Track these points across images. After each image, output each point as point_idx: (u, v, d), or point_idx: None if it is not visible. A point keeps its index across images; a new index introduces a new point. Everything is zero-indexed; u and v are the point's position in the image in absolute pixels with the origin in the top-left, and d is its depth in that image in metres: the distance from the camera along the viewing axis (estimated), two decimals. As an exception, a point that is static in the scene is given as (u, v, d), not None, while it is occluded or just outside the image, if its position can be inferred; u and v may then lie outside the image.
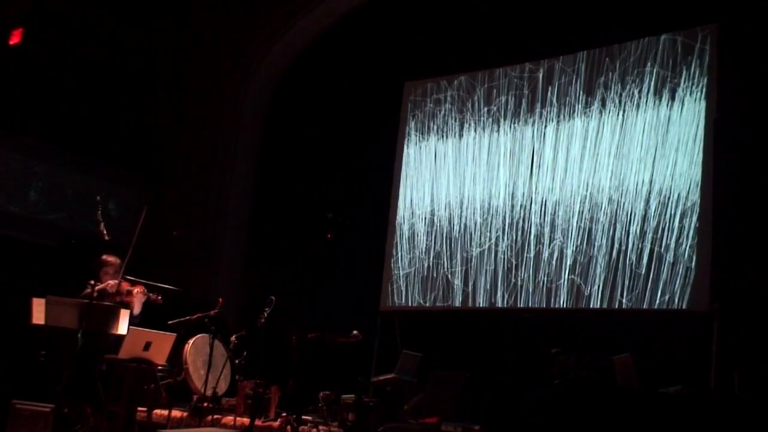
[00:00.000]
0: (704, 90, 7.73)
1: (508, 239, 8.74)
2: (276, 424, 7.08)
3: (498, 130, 9.10)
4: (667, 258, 7.61)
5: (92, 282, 6.69)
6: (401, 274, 9.46)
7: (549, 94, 8.77)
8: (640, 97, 8.11)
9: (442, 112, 9.60)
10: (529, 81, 8.96)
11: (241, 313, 9.98)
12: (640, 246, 7.80)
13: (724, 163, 7.52)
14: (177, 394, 7.43)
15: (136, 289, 7.02)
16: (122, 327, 6.68)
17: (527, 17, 9.11)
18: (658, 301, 7.59)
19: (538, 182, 8.67)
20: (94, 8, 10.37)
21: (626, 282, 7.82)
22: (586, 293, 8.06)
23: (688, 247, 7.53)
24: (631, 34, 8.31)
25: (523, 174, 8.81)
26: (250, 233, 10.98)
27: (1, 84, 9.44)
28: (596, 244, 8.09)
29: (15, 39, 9.44)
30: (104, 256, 7.11)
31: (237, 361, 7.78)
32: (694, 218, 7.55)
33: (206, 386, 7.23)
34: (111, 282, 6.98)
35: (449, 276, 9.06)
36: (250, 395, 7.44)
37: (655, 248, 7.70)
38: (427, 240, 9.38)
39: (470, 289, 8.87)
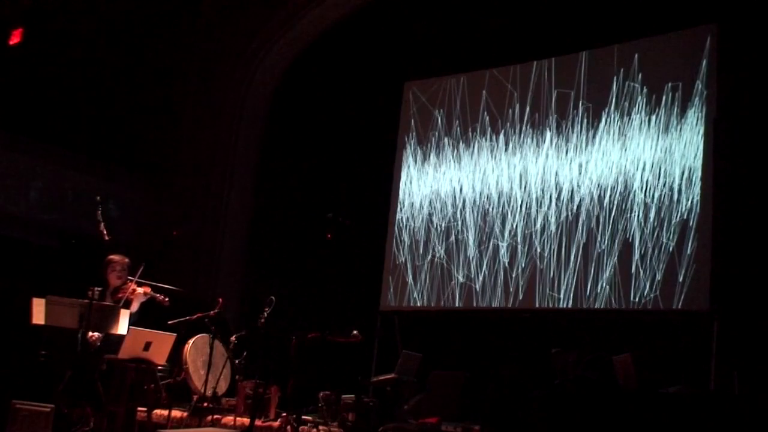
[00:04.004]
0: (704, 90, 7.73)
1: (508, 239, 8.74)
2: (276, 424, 7.07)
3: (499, 129, 9.10)
4: (667, 258, 7.61)
5: (94, 289, 6.67)
6: (401, 274, 9.46)
7: (549, 93, 8.77)
8: (639, 98, 8.11)
9: (443, 111, 9.60)
10: (530, 80, 8.96)
11: (241, 313, 9.98)
12: (639, 246, 7.80)
13: (724, 163, 7.52)
14: (177, 394, 7.43)
15: (140, 289, 7.01)
16: (122, 327, 6.67)
17: (526, 17, 9.12)
18: (658, 301, 7.59)
19: (538, 182, 8.67)
20: (94, 8, 10.37)
21: (626, 282, 7.82)
22: (586, 293, 8.06)
23: (688, 248, 7.53)
24: (631, 34, 8.31)
25: (523, 174, 8.81)
26: (250, 233, 10.99)
27: (1, 84, 9.44)
28: (596, 244, 8.09)
29: (15, 39, 9.44)
30: (110, 256, 7.08)
31: (237, 361, 7.78)
32: (694, 218, 7.55)
33: (206, 386, 7.23)
34: (120, 294, 6.94)
35: (449, 276, 9.06)
36: (250, 395, 7.44)
37: (655, 248, 7.70)
38: (427, 240, 9.38)
39: (471, 289, 8.87)
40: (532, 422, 6.43)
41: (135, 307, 7.06)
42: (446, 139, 9.51)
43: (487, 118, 9.21)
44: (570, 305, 8.14)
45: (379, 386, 7.71)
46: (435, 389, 7.07)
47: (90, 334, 6.63)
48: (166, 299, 7.06)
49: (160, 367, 7.03)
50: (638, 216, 7.88)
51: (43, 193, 10.02)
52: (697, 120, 7.73)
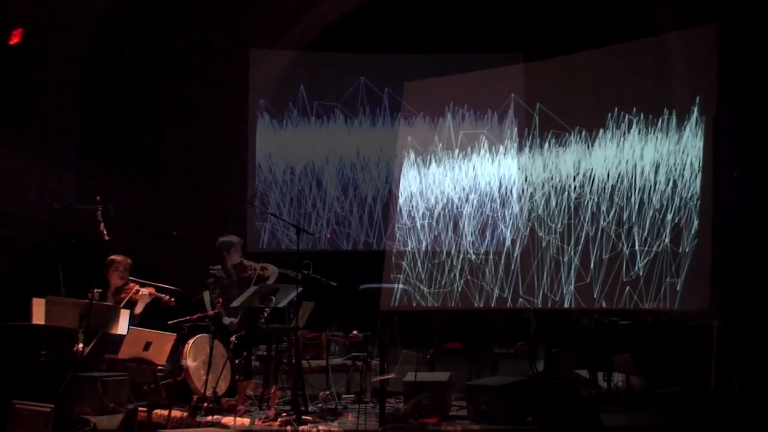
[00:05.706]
0: (703, 90, 7.73)
1: (508, 239, 8.74)
2: (276, 424, 7.07)
3: (499, 128, 9.10)
4: (668, 258, 7.61)
5: (96, 290, 6.66)
6: (401, 273, 9.46)
7: (547, 92, 8.77)
8: (637, 98, 8.10)
9: (443, 111, 9.60)
10: (528, 79, 8.96)
11: (241, 313, 9.97)
12: (640, 246, 7.80)
13: (723, 163, 7.52)
14: (177, 394, 7.43)
15: (144, 290, 7.01)
16: (122, 327, 6.67)
17: (524, 17, 9.14)
18: (658, 301, 7.59)
19: (537, 181, 8.67)
20: (95, 6, 10.37)
21: (626, 282, 7.82)
22: (586, 293, 8.06)
23: (688, 248, 7.53)
24: (630, 35, 8.31)
25: (523, 173, 8.81)
26: (249, 232, 10.98)
27: (1, 83, 9.43)
28: (597, 243, 8.09)
29: (15, 39, 9.43)
30: (112, 256, 7.07)
31: (237, 361, 7.78)
32: (695, 218, 7.55)
33: (206, 386, 7.23)
34: (123, 295, 6.93)
35: (450, 276, 9.06)
36: (250, 395, 7.44)
37: (655, 248, 7.70)
38: (427, 239, 9.38)
39: (471, 288, 8.87)
40: (532, 422, 6.44)
41: (140, 308, 7.06)
42: (447, 138, 9.51)
43: (487, 116, 9.21)
44: (570, 305, 8.14)
45: (379, 386, 7.71)
46: (435, 389, 7.07)
47: (77, 346, 6.59)
48: (172, 299, 7.06)
49: (160, 367, 7.03)
50: (637, 216, 7.88)
51: (43, 193, 10.01)
52: (696, 120, 7.72)
